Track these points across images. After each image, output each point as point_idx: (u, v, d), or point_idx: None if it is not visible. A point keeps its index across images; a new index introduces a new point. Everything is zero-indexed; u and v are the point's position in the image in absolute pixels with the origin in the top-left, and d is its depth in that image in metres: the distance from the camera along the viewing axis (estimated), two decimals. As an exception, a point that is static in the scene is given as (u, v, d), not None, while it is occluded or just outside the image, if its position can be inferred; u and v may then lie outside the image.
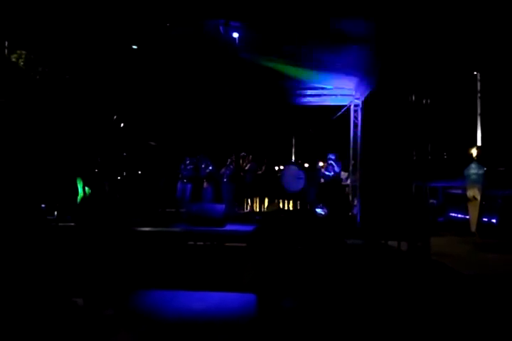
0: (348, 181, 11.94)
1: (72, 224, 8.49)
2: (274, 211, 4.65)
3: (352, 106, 11.26)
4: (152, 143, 12.88)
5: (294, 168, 11.42)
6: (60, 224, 8.57)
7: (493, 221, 9.60)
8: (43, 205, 8.68)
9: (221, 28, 8.38)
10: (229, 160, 11.87)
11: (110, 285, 6.17)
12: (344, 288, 6.10)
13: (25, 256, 6.15)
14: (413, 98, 7.21)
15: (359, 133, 10.87)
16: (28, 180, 7.86)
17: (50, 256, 6.44)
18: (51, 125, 8.75)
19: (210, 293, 6.16)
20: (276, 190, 11.40)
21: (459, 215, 10.85)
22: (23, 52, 8.33)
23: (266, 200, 11.65)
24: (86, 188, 9.30)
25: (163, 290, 6.22)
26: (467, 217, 9.59)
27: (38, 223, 7.72)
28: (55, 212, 9.15)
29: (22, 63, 8.35)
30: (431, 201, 9.79)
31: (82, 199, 9.21)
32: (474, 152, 9.94)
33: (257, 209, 11.57)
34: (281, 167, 12.41)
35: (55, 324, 4.87)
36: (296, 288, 5.56)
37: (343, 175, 11.86)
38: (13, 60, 8.25)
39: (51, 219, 8.89)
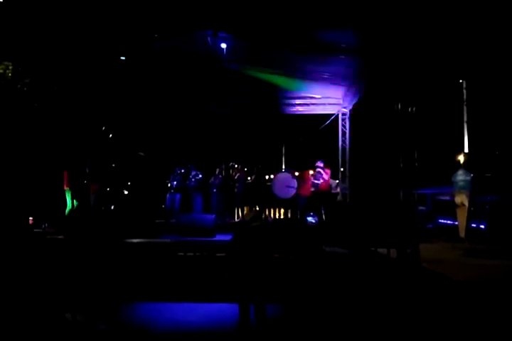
0: (338, 189, 11.95)
1: (61, 236, 8.39)
2: (252, 217, 4.61)
3: (340, 115, 11.37)
4: (141, 153, 12.83)
5: (285, 175, 11.37)
6: (47, 236, 8.46)
7: (482, 226, 9.65)
8: (30, 218, 8.57)
9: (209, 39, 8.44)
10: (218, 169, 11.83)
11: (100, 299, 6.10)
12: (330, 296, 6.09)
13: (11, 271, 6.07)
14: (399, 106, 7.29)
15: (347, 141, 10.96)
16: (15, 192, 7.77)
17: (37, 270, 6.35)
18: (38, 136, 8.69)
19: (201, 304, 6.12)
20: (267, 198, 11.35)
21: (448, 221, 10.90)
22: (10, 63, 8.29)
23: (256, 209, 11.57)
24: (74, 200, 9.21)
25: (153, 303, 6.17)
26: (456, 223, 9.65)
27: (24, 236, 7.62)
28: (43, 225, 9.03)
29: (9, 74, 8.30)
30: (419, 208, 9.83)
31: (71, 211, 9.11)
32: (461, 158, 10.03)
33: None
34: (272, 176, 12.36)
35: None
36: (280, 296, 5.52)
37: (333, 182, 11.87)
38: (0, 71, 8.21)
39: (39, 232, 8.76)
